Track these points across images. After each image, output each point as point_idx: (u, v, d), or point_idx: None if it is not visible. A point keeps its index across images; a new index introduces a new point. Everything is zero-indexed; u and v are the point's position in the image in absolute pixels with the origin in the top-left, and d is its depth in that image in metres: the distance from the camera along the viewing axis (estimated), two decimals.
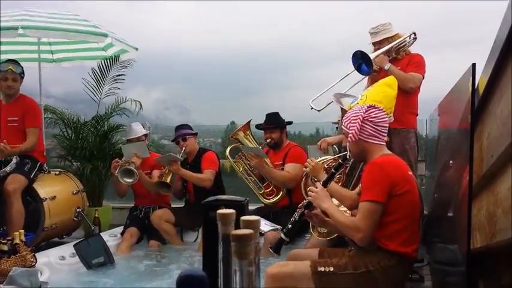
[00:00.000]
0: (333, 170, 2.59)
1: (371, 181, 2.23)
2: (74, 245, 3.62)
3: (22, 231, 3.33)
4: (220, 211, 0.90)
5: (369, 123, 2.30)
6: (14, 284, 2.65)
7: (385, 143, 2.37)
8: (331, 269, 2.23)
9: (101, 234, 4.16)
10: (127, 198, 4.61)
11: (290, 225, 2.45)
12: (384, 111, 2.36)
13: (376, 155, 2.31)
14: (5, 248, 3.17)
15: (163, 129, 8.28)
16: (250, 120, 4.20)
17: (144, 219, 4.26)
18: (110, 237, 4.14)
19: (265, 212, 3.90)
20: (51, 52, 5.47)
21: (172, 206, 4.48)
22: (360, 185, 2.44)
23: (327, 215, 2.44)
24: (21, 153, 3.99)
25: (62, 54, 5.52)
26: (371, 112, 2.31)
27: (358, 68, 3.55)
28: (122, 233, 4.22)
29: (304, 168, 3.05)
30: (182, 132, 4.31)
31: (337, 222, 2.29)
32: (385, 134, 2.36)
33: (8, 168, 3.87)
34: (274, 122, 4.12)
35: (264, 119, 4.18)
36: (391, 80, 3.14)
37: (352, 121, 2.33)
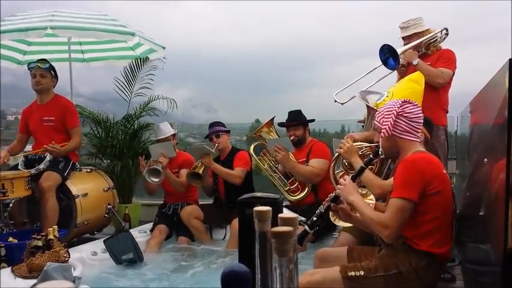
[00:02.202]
0: (362, 164, 2.54)
1: (404, 178, 2.18)
2: (104, 241, 3.70)
3: (56, 227, 3.41)
4: (257, 208, 0.90)
5: (403, 118, 2.25)
6: (49, 278, 2.70)
7: (419, 140, 2.32)
8: (362, 272, 2.19)
9: (131, 230, 4.24)
10: (156, 195, 4.67)
11: (315, 218, 2.38)
12: (419, 106, 2.31)
13: (409, 151, 2.26)
14: (40, 243, 3.25)
15: (189, 128, 8.37)
16: (273, 117, 4.19)
17: (173, 216, 4.31)
18: (140, 234, 4.21)
19: (292, 210, 3.89)
20: (82, 52, 5.59)
21: (200, 203, 4.52)
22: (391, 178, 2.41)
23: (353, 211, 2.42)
24: (67, 152, 4.10)
25: (92, 54, 5.64)
26: (406, 107, 2.25)
27: (385, 63, 3.51)
28: (151, 230, 4.28)
29: (338, 149, 3.01)
30: (216, 129, 4.33)
31: (364, 217, 2.25)
32: (419, 131, 2.30)
33: (42, 166, 3.98)
34: (297, 119, 4.10)
35: (287, 116, 4.18)
36: (417, 75, 3.09)
37: (385, 116, 2.28)
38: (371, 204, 2.54)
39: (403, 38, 3.74)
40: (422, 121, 2.31)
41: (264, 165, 4.04)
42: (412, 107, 2.26)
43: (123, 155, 5.26)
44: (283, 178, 3.99)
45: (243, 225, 1.05)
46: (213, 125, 4.40)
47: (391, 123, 2.24)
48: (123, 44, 5.38)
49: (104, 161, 5.46)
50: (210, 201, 4.48)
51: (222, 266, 3.52)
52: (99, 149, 5.41)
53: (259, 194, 1.08)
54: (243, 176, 4.14)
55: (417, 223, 2.18)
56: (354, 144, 3.00)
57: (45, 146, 4.01)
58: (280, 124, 4.19)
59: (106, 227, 4.67)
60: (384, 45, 3.48)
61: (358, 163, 2.74)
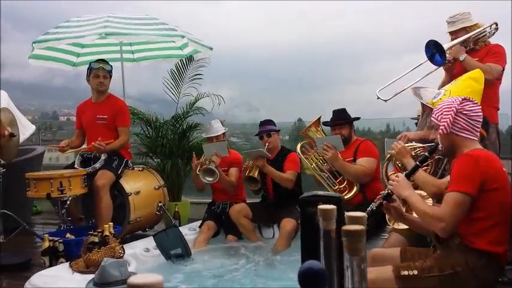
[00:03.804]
0: (417, 162, 2.50)
1: (462, 172, 2.14)
2: (154, 236, 3.78)
3: (111, 223, 3.54)
4: (321, 206, 0.91)
5: (462, 116, 2.21)
6: (106, 273, 2.79)
7: (477, 139, 2.26)
8: (415, 272, 2.15)
9: (181, 227, 4.32)
10: (205, 193, 4.74)
11: (366, 215, 2.36)
12: (479, 105, 2.27)
13: (467, 149, 2.21)
14: (96, 239, 3.38)
15: (232, 127, 8.44)
16: (320, 116, 4.13)
17: (221, 215, 4.36)
18: (189, 231, 4.28)
19: None
20: (132, 52, 5.77)
21: (247, 201, 4.53)
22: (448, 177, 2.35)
23: (404, 210, 2.38)
24: (113, 149, 4.24)
25: (142, 53, 5.82)
26: (465, 105, 2.22)
27: (431, 59, 3.42)
28: (200, 226, 4.35)
29: (390, 151, 2.97)
30: (267, 127, 4.31)
31: (419, 212, 2.22)
32: (479, 129, 2.25)
33: (97, 165, 4.14)
34: (342, 118, 4.03)
35: (331, 115, 4.11)
36: (477, 73, 2.99)
37: (444, 113, 2.24)
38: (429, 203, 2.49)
39: (450, 32, 3.64)
40: (481, 119, 2.26)
41: (312, 164, 3.98)
42: (472, 105, 2.23)
43: (172, 154, 5.38)
44: (331, 177, 3.92)
45: (305, 224, 1.06)
46: (263, 123, 4.36)
47: (450, 120, 2.21)
48: (172, 44, 5.52)
49: (155, 160, 5.60)
50: (258, 200, 4.49)
51: (271, 265, 3.57)
52: (149, 148, 5.56)
53: (321, 193, 1.08)
54: (295, 179, 4.12)
55: (473, 220, 2.12)
56: (407, 145, 2.94)
57: (92, 143, 4.14)
58: (325, 123, 4.13)
59: (157, 224, 4.79)
60: (430, 40, 3.40)
61: (412, 164, 2.68)
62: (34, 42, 4.57)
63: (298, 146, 4.08)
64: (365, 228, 0.79)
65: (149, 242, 3.86)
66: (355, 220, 0.81)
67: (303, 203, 1.06)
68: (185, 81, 5.83)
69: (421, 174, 2.65)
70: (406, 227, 2.69)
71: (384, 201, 2.38)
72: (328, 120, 4.11)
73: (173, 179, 5.25)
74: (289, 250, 3.86)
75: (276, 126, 4.42)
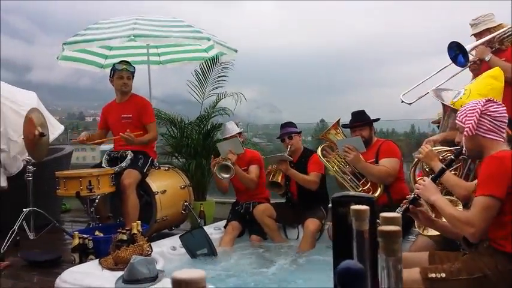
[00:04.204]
0: (443, 165, 2.48)
1: (489, 175, 2.10)
2: (180, 237, 3.82)
3: (139, 222, 3.60)
4: (354, 207, 0.92)
5: (487, 117, 2.18)
6: (134, 271, 2.84)
7: (503, 140, 2.23)
8: (443, 275, 2.12)
9: (206, 227, 4.37)
10: (229, 193, 4.77)
11: (401, 216, 2.32)
12: (504, 106, 2.23)
13: (493, 151, 2.18)
14: (124, 237, 3.44)
15: (254, 128, 8.47)
16: (339, 119, 4.10)
17: (245, 215, 4.37)
18: (214, 230, 4.32)
19: None
20: (158, 55, 5.86)
21: (271, 202, 4.53)
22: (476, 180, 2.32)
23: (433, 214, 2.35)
24: (143, 142, 4.32)
25: (168, 56, 5.90)
26: (490, 106, 2.19)
27: (454, 60, 3.39)
28: (225, 226, 4.38)
29: (417, 155, 2.94)
30: (288, 130, 4.31)
31: (447, 216, 2.19)
32: (504, 130, 2.22)
33: (123, 164, 4.21)
34: (361, 119, 3.99)
35: (351, 118, 4.05)
36: (496, 71, 2.96)
37: (468, 115, 2.22)
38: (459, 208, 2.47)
39: (474, 35, 3.60)
40: (506, 120, 2.23)
41: (334, 167, 3.93)
42: (496, 106, 2.20)
43: (197, 154, 5.43)
44: (354, 179, 3.87)
45: (337, 224, 1.08)
46: (285, 125, 4.37)
47: (474, 122, 2.19)
48: (197, 46, 5.58)
49: (180, 159, 5.66)
50: (282, 200, 4.50)
51: (296, 265, 3.58)
52: (175, 148, 5.62)
53: (352, 193, 1.10)
54: (319, 181, 4.13)
55: (502, 223, 2.08)
56: (435, 148, 2.91)
57: (120, 134, 4.19)
58: (345, 125, 4.09)
59: (183, 223, 4.85)
60: (452, 42, 3.37)
61: (439, 167, 2.64)
62: (64, 44, 4.67)
63: (319, 149, 4.01)
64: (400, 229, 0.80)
65: (176, 241, 3.91)
66: (390, 221, 0.82)
67: (334, 203, 1.08)
68: (209, 82, 5.87)
69: (451, 178, 2.62)
70: (435, 233, 2.66)
71: (411, 206, 2.36)
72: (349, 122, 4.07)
73: (198, 178, 5.30)
74: (314, 251, 3.87)
75: (297, 128, 4.41)
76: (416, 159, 3.03)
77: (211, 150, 5.46)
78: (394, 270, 0.79)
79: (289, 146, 4.23)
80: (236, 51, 5.44)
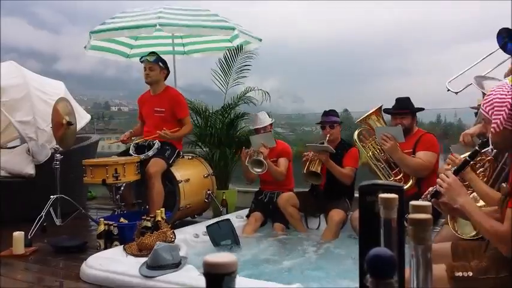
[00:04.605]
0: (467, 157, 2.32)
1: None
2: (207, 226, 3.86)
3: (163, 209, 3.65)
4: (383, 195, 0.91)
5: None
6: (158, 257, 2.88)
7: None
8: (470, 273, 2.01)
9: (228, 215, 4.42)
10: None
11: (431, 204, 2.20)
12: None
13: None
14: (149, 224, 3.50)
15: (277, 117, 8.44)
16: (381, 105, 3.99)
17: (269, 204, 4.39)
18: (237, 219, 4.37)
19: None
20: (183, 45, 5.89)
21: (295, 190, 4.53)
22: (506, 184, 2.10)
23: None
24: (178, 138, 4.40)
25: (192, 46, 5.93)
26: None
27: (504, 47, 3.26)
28: (248, 216, 4.41)
29: (447, 166, 2.80)
30: (332, 119, 4.23)
31: (478, 226, 2.03)
32: None
33: (150, 153, 4.26)
34: (405, 107, 3.88)
35: (382, 105, 3.98)
36: None
37: (496, 107, 1.98)
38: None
39: None
40: None
41: (368, 153, 3.86)
42: None
43: (221, 144, 5.46)
44: (387, 168, 3.79)
45: (364, 212, 1.06)
46: (328, 113, 4.27)
47: (504, 116, 1.95)
48: (221, 36, 5.57)
49: (203, 148, 5.70)
50: (304, 189, 4.47)
51: (319, 254, 3.57)
52: (199, 137, 5.65)
53: (380, 182, 1.08)
54: (354, 176, 4.10)
55: None
56: (464, 155, 2.76)
57: (158, 132, 4.28)
58: (386, 111, 3.97)
59: (205, 211, 4.90)
60: (502, 28, 3.23)
61: (474, 180, 2.41)
62: (91, 32, 4.72)
63: (356, 132, 3.94)
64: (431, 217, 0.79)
65: (198, 228, 3.98)
66: (419, 209, 0.81)
67: (362, 192, 1.06)
68: (233, 71, 5.86)
69: (481, 188, 2.39)
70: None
71: (433, 199, 2.23)
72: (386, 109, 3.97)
73: (221, 167, 5.33)
74: (337, 240, 3.86)
75: (339, 117, 4.32)
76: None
77: (235, 140, 5.48)
78: (423, 259, 0.77)
79: (328, 135, 4.15)
80: (261, 40, 5.43)
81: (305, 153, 4.16)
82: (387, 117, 4.04)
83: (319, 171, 4.04)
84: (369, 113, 3.94)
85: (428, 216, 0.77)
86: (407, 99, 3.96)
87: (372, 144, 3.87)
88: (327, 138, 4.13)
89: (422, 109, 4.01)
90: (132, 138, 4.70)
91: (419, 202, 0.84)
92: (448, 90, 3.30)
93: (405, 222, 0.90)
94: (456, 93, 3.30)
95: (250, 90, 5.72)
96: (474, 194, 2.47)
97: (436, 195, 2.25)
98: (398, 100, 3.94)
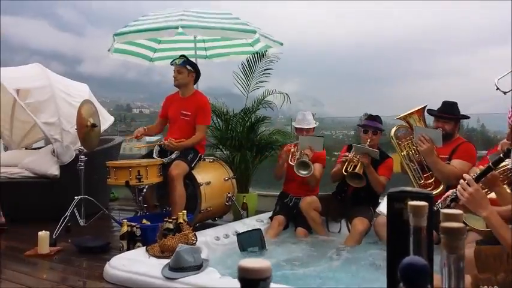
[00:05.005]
0: (490, 164, 2.23)
1: None
2: (238, 235, 3.85)
3: (185, 211, 3.68)
4: (412, 203, 0.91)
5: None
6: (180, 259, 2.90)
7: None
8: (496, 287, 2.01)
9: (248, 218, 4.43)
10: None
11: (463, 213, 2.13)
12: None
13: None
14: (171, 226, 3.53)
15: None
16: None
17: (293, 209, 4.36)
18: (257, 222, 4.37)
19: None
20: (205, 49, 5.92)
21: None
22: None
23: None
24: (185, 147, 4.37)
25: (214, 50, 5.95)
26: None
27: None
28: (271, 218, 4.40)
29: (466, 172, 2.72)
30: (377, 125, 4.17)
31: (502, 241, 1.97)
32: None
33: (173, 156, 4.31)
34: (450, 111, 3.77)
35: (405, 109, 3.87)
36: None
37: None
38: None
39: None
40: None
41: (403, 152, 3.78)
42: None
43: (241, 147, 5.46)
44: (419, 170, 3.71)
45: (392, 219, 1.06)
46: (373, 118, 4.20)
47: None
48: (243, 41, 5.60)
49: (224, 152, 5.71)
50: (329, 193, 4.43)
51: (341, 260, 3.54)
52: (219, 140, 5.66)
53: (409, 189, 1.08)
54: (385, 185, 4.06)
55: None
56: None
57: (164, 141, 4.33)
58: (430, 112, 3.86)
59: (226, 214, 4.91)
60: None
61: (503, 195, 2.31)
62: (115, 35, 4.78)
63: (393, 129, 3.86)
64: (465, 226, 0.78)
65: (219, 231, 3.99)
66: (451, 217, 0.81)
67: (390, 198, 1.06)
68: (255, 75, 5.87)
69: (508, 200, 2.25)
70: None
71: (452, 204, 2.20)
72: (393, 115, 3.96)
73: (242, 171, 5.33)
74: (359, 247, 3.83)
75: (382, 124, 4.25)
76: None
77: (256, 144, 5.48)
78: (455, 268, 0.77)
79: (368, 140, 4.08)
80: (282, 44, 5.43)
81: (346, 154, 4.10)
82: (429, 119, 3.93)
83: (361, 173, 3.96)
84: (412, 111, 3.82)
85: (460, 225, 0.76)
86: (455, 104, 3.84)
87: (408, 144, 3.78)
88: (367, 143, 4.06)
89: (467, 117, 3.91)
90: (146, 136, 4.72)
91: (452, 210, 0.83)
92: (497, 89, 3.16)
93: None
94: (505, 93, 3.17)
95: (270, 94, 5.72)
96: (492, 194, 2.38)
97: (455, 200, 2.20)
98: (445, 103, 3.82)
